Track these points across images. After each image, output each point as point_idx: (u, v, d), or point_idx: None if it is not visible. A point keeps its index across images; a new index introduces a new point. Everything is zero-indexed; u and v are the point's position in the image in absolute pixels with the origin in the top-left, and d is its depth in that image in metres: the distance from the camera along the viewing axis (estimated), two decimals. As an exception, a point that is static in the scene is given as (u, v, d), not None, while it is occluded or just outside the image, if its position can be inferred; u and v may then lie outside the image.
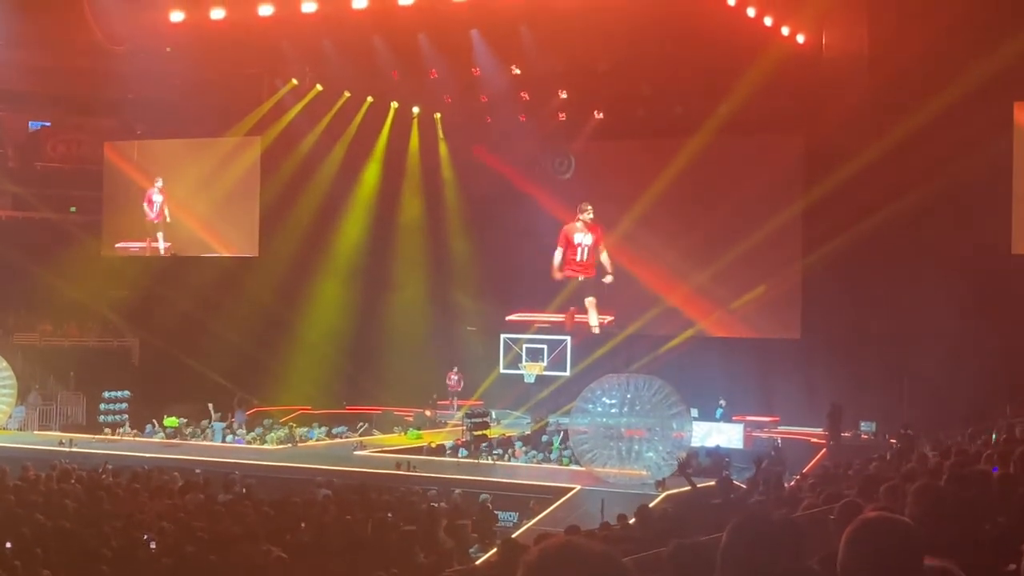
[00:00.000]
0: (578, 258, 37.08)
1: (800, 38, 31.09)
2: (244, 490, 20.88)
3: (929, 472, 12.04)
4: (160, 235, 39.54)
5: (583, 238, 37.07)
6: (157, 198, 39.45)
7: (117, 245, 39.76)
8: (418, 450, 29.47)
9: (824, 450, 29.82)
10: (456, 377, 36.87)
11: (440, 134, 38.85)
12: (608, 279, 36.60)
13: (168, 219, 39.29)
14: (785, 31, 30.59)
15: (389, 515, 18.13)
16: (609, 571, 2.90)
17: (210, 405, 33.71)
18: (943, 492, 6.02)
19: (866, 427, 31.94)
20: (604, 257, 36.81)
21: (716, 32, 30.23)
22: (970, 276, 29.79)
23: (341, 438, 33.02)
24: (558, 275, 37.08)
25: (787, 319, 34.54)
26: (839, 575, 3.81)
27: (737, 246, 33.67)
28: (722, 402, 32.31)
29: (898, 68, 30.33)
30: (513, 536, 18.34)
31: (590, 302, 37.00)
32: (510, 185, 37.55)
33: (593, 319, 36.92)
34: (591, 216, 36.74)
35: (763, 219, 33.39)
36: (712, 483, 24.85)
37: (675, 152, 35.15)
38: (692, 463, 26.59)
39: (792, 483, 20.72)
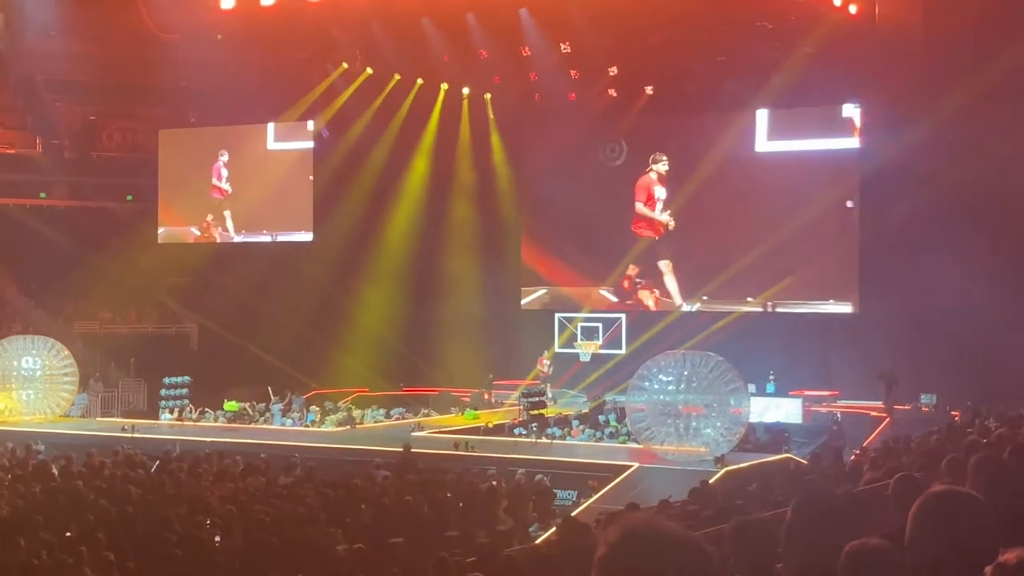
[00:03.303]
0: (655, 213, 36.88)
1: (852, 8, 30.76)
2: (304, 473, 21.01)
3: (991, 444, 11.92)
4: (228, 214, 39.86)
5: (661, 192, 36.75)
6: (224, 172, 39.89)
7: (167, 231, 40.11)
8: (475, 430, 29.52)
9: (886, 422, 29.62)
10: (548, 361, 36.81)
11: (490, 114, 38.81)
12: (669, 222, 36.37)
13: (229, 189, 39.72)
14: (837, 2, 30.28)
15: (448, 495, 18.18)
16: (692, 558, 2.89)
17: (269, 388, 33.99)
18: (1005, 465, 5.95)
19: (926, 399, 31.72)
20: (667, 216, 36.61)
21: (768, 4, 30.02)
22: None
23: (400, 419, 33.10)
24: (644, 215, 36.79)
25: (845, 292, 34.27)
26: (907, 550, 3.78)
27: (794, 220, 33.43)
28: (772, 375, 32.13)
29: (953, 36, 29.93)
30: (573, 515, 18.33)
31: (665, 265, 36.62)
32: (561, 164, 37.45)
33: (672, 284, 36.64)
34: (666, 167, 36.42)
35: (819, 192, 33.14)
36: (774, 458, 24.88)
37: (727, 126, 35.05)
38: (751, 439, 26.50)
39: (852, 458, 20.57)
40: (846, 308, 34.15)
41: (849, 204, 34.42)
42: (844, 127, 34.02)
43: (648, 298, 37.43)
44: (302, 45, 35.62)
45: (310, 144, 38.89)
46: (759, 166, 34.97)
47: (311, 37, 34.76)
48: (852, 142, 33.85)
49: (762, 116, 34.87)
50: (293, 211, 39.08)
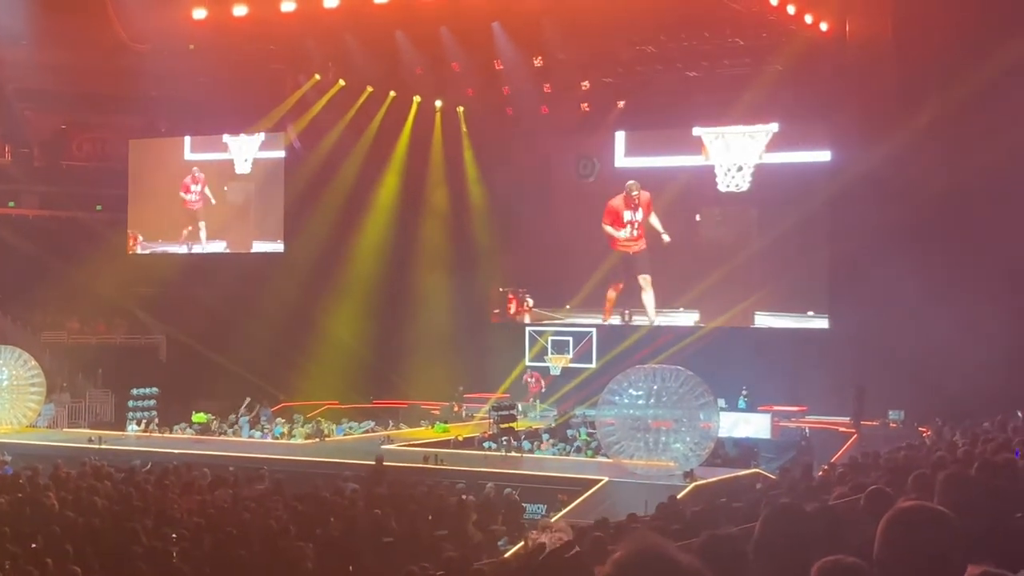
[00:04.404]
0: (626, 235, 36.81)
1: (823, 26, 30.94)
2: (272, 486, 20.92)
3: (958, 460, 11.98)
4: (203, 224, 39.85)
5: (632, 216, 36.67)
6: (195, 187, 39.79)
7: (146, 250, 40.03)
8: (445, 443, 29.48)
9: (853, 438, 29.73)
10: (533, 379, 36.66)
11: (463, 127, 38.81)
12: (666, 238, 36.11)
13: (212, 200, 39.71)
14: (808, 19, 30.44)
15: (430, 519, 18.09)
16: None
17: (248, 399, 33.93)
18: (972, 480, 5.99)
19: (894, 415, 31.84)
20: (654, 220, 36.37)
21: (739, 20, 30.15)
22: (1001, 262, 29.61)
23: (371, 432, 33.03)
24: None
25: (815, 308, 34.39)
26: (875, 565, 3.78)
27: (764, 235, 33.60)
28: (744, 391, 32.27)
29: (923, 54, 30.15)
30: (541, 528, 18.30)
31: (645, 280, 36.56)
32: (535, 178, 37.59)
33: (649, 299, 36.52)
34: (637, 192, 36.30)
35: (790, 208, 33.26)
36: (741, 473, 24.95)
37: (698, 141, 35.31)
38: (720, 454, 26.56)
39: (821, 473, 20.63)
40: (817, 324, 34.27)
41: (697, 218, 36.03)
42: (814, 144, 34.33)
43: (512, 308, 38.37)
44: (274, 56, 35.49)
45: (227, 155, 39.16)
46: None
47: (283, 48, 34.64)
48: (823, 159, 33.99)
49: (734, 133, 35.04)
50: (264, 223, 39.11)
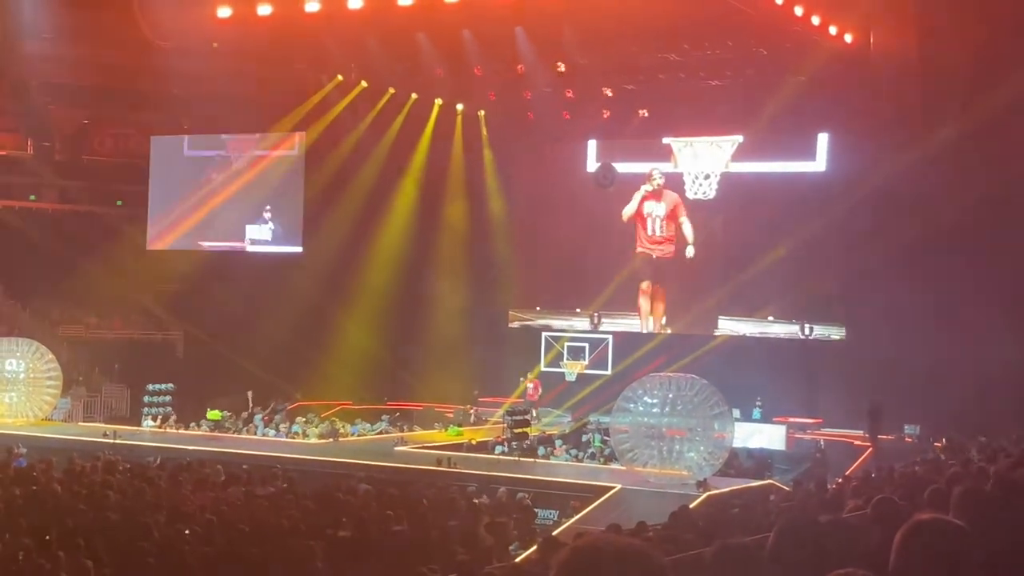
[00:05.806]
0: (649, 231, 36.19)
1: (848, 38, 30.86)
2: (285, 484, 20.94)
3: (974, 476, 11.92)
4: (216, 221, 39.91)
5: (654, 207, 35.93)
6: (217, 176, 39.93)
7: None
8: (459, 447, 29.47)
9: (869, 451, 29.63)
10: (532, 385, 36.53)
11: (484, 131, 38.80)
12: (690, 252, 35.61)
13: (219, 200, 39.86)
14: (833, 30, 30.36)
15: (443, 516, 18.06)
16: (642, 567, 2.89)
17: (249, 394, 33.94)
18: (988, 497, 5.95)
19: (910, 430, 31.74)
20: (687, 227, 35.82)
21: (763, 31, 30.10)
22: (1019, 276, 29.49)
23: (383, 433, 33.07)
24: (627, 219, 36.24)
25: (831, 320, 34.30)
26: (890, 577, 3.76)
27: (781, 245, 33.50)
28: (759, 402, 32.17)
29: (947, 67, 30.05)
30: (554, 534, 18.27)
31: (645, 287, 36.23)
32: (553, 184, 37.60)
33: (645, 305, 36.31)
34: (661, 182, 35.88)
35: (808, 218, 33.15)
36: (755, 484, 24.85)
37: (667, 149, 35.52)
38: (734, 464, 26.49)
39: (835, 486, 20.54)
40: (834, 336, 34.16)
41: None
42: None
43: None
44: (297, 56, 35.57)
45: (223, 152, 39.45)
46: (749, 191, 35.07)
47: (307, 48, 34.69)
48: (842, 170, 33.83)
49: (754, 142, 34.99)
50: (283, 222, 39.20)
